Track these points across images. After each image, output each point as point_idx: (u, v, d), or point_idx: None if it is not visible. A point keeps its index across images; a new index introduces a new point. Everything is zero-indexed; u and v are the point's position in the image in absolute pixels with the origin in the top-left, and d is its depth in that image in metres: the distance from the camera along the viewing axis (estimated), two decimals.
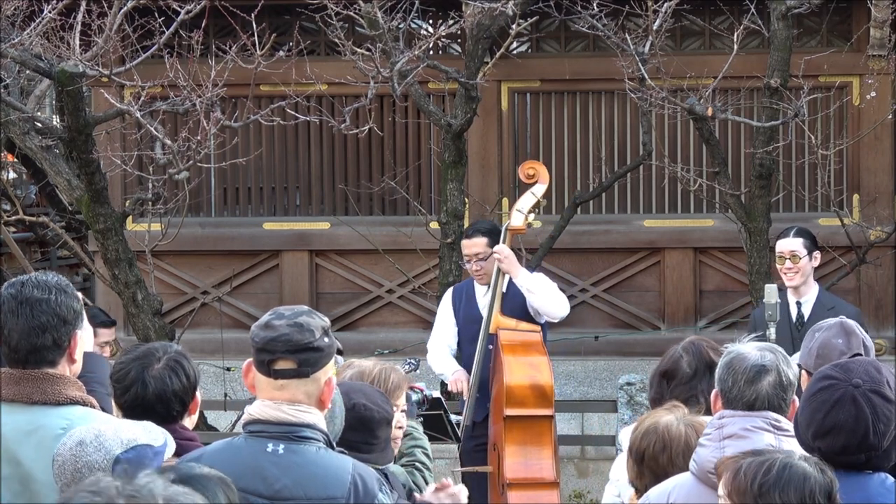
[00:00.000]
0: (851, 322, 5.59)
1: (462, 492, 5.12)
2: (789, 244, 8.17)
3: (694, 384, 5.01)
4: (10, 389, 4.03)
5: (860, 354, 5.38)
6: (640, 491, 4.60)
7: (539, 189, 8.35)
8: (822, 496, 3.32)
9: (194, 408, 4.53)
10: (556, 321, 8.23)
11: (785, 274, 8.17)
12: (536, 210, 8.54)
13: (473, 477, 8.39)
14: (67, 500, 2.40)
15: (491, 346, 8.00)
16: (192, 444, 4.35)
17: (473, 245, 8.26)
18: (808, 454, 3.49)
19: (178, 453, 4.15)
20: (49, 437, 3.91)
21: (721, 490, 3.47)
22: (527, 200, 8.29)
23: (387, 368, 5.22)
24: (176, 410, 4.38)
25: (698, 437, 4.42)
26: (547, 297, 8.07)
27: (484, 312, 8.14)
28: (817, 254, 8.27)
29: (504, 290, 8.13)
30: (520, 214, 8.22)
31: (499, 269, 8.06)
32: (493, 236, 8.22)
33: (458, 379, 8.26)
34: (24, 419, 3.99)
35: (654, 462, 4.49)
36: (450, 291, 8.61)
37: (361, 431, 4.44)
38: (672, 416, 4.53)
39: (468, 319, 8.28)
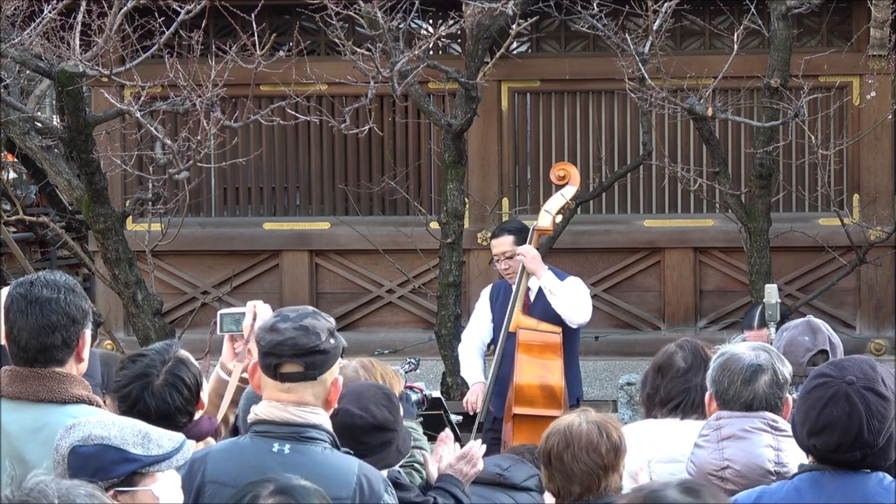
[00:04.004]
0: (817, 320, 5.66)
1: (476, 447, 5.15)
2: None
3: (689, 377, 5.01)
4: (16, 387, 4.03)
5: (826, 351, 5.46)
6: (555, 495, 4.59)
7: (569, 191, 8.36)
8: None
9: (201, 407, 4.53)
10: (574, 326, 8.18)
11: None
12: (564, 211, 8.49)
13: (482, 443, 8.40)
14: None
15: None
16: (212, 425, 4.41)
17: (501, 244, 8.27)
18: (696, 482, 3.36)
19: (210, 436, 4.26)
20: (55, 436, 3.91)
21: None
22: (556, 202, 8.31)
23: (349, 376, 5.14)
24: (182, 422, 4.38)
25: (604, 435, 4.44)
26: (568, 301, 8.04)
27: None
28: None
29: (535, 290, 8.15)
30: (547, 215, 8.23)
31: (523, 269, 8.06)
32: (520, 235, 8.23)
33: (474, 391, 8.28)
34: (29, 417, 4.00)
35: (560, 461, 4.49)
36: (488, 288, 8.60)
37: (346, 437, 4.42)
38: (575, 416, 4.54)
39: (504, 317, 8.27)
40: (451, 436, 5.22)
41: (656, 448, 4.75)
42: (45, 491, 2.48)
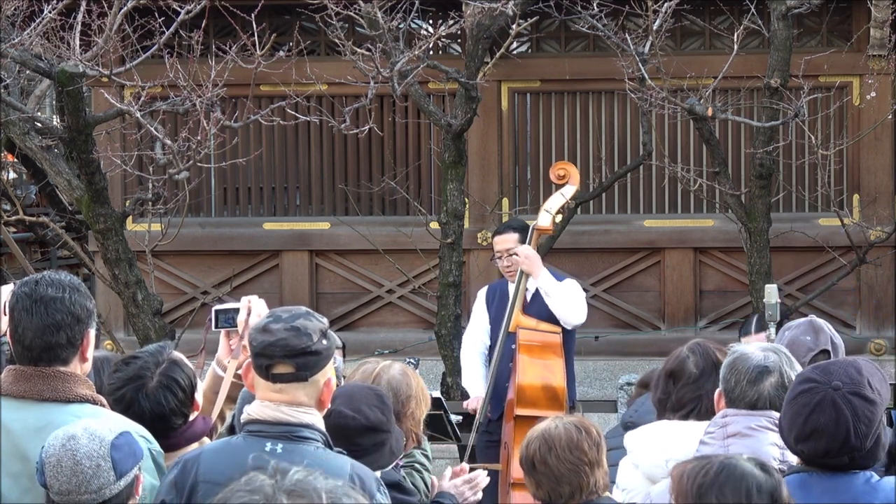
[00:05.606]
0: (820, 320, 5.66)
1: (481, 477, 5.16)
2: None
3: (701, 384, 4.99)
4: (21, 386, 4.04)
5: (827, 351, 5.46)
6: (545, 502, 4.60)
7: (569, 190, 8.33)
8: (763, 496, 3.29)
9: (196, 408, 4.53)
10: (569, 328, 8.15)
11: None
12: (564, 211, 8.43)
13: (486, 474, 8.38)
14: (225, 501, 2.35)
15: (514, 346, 7.99)
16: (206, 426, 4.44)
17: (504, 241, 8.23)
18: (752, 457, 3.47)
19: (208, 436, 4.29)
20: None
21: (670, 496, 3.47)
22: (555, 201, 8.27)
23: (396, 378, 5.16)
24: (176, 424, 4.38)
25: (583, 432, 4.44)
26: (564, 302, 8.01)
27: None
28: None
29: (532, 291, 8.12)
30: (547, 215, 8.19)
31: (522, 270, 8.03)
32: (524, 233, 8.20)
33: (475, 400, 8.26)
34: (33, 416, 4.01)
35: (544, 465, 4.50)
36: (484, 290, 8.56)
37: (338, 439, 4.41)
38: (549, 421, 4.59)
39: (500, 318, 8.24)
40: (466, 469, 5.22)
41: (674, 448, 4.75)
42: (316, 486, 2.40)
